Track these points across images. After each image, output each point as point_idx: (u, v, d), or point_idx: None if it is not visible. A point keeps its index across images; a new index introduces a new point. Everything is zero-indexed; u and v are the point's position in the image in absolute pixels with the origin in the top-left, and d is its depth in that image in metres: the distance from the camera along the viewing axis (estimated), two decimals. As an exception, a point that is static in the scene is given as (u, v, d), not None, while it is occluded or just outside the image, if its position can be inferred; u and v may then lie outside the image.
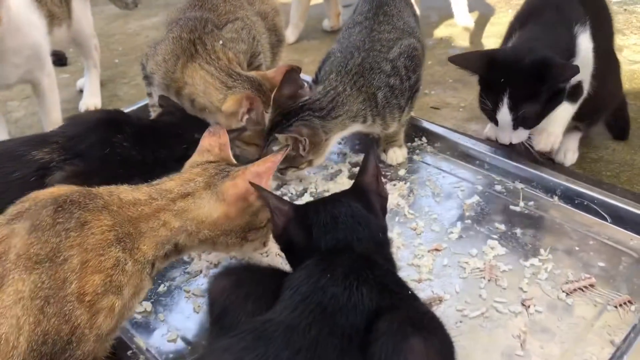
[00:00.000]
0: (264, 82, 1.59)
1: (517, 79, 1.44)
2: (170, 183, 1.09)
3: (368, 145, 1.81)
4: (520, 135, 1.52)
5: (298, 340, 0.76)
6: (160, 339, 1.23)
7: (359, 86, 1.53)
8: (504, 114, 1.47)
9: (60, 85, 2.65)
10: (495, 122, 1.53)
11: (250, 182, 1.06)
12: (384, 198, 1.13)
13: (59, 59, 2.89)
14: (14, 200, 0.99)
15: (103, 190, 1.03)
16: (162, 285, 1.36)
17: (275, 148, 1.46)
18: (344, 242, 0.97)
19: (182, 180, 1.09)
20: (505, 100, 1.45)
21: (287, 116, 1.47)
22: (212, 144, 1.18)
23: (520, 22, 1.66)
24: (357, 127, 1.58)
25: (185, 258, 1.41)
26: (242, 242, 1.15)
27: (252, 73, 1.61)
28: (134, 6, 2.69)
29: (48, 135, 1.39)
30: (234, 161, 1.20)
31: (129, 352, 1.15)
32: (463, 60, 1.56)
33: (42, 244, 0.89)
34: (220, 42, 1.61)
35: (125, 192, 1.03)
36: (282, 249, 1.10)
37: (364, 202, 1.06)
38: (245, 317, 0.85)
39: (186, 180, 1.10)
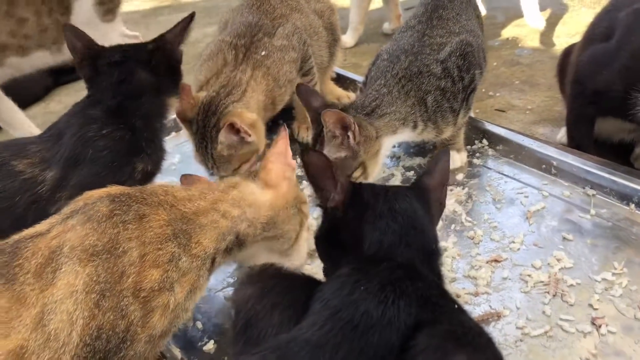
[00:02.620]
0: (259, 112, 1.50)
1: None
2: (214, 184, 1.11)
3: (425, 149, 1.72)
4: None
5: None
6: (197, 348, 1.18)
7: (407, 90, 1.42)
8: None
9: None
10: None
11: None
12: (442, 207, 1.03)
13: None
14: None
15: (158, 188, 1.01)
16: (201, 292, 1.30)
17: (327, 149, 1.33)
18: (389, 247, 0.88)
19: (223, 181, 1.10)
20: None
21: None
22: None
23: None
24: (408, 134, 1.47)
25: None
26: (301, 215, 1.14)
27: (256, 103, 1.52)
28: None
29: (29, 142, 1.22)
30: None
31: (162, 362, 1.11)
32: None
33: (98, 235, 0.86)
34: (263, 52, 1.55)
35: (179, 190, 1.02)
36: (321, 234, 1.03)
37: (424, 205, 0.97)
38: (272, 330, 0.77)
39: (225, 180, 1.11)
